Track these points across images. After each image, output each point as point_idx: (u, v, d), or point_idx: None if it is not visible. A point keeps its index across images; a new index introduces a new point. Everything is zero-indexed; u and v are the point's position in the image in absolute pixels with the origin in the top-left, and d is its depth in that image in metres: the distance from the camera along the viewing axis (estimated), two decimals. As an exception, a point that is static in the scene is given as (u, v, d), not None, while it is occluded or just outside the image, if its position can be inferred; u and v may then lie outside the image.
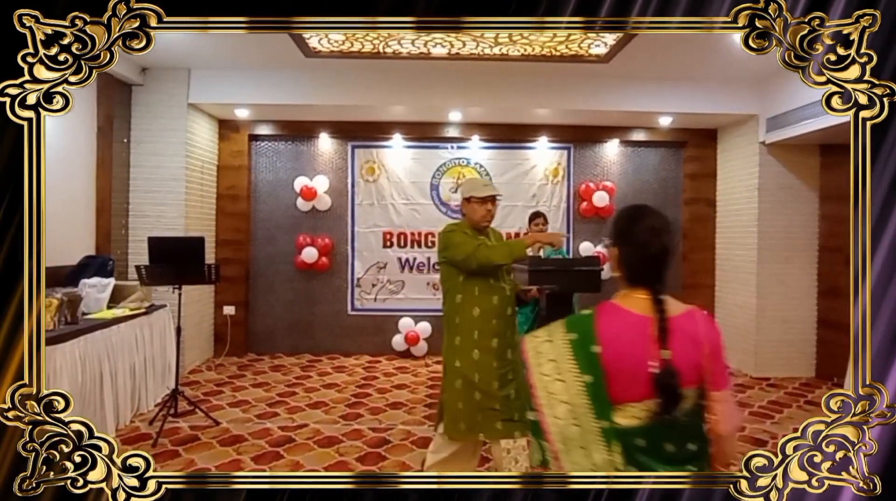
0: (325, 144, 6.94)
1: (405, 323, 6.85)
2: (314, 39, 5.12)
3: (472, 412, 2.84)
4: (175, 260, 4.46)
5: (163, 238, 4.84)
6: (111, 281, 4.78)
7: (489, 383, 2.84)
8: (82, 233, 5.22)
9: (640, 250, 1.49)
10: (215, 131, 6.67)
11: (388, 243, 6.97)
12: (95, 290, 4.62)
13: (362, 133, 6.86)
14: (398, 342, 6.82)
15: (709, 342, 1.48)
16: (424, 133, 6.86)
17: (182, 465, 3.77)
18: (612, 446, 1.44)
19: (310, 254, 6.71)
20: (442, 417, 2.95)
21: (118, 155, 5.60)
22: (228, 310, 6.74)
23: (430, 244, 6.88)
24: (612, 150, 7.08)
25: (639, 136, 6.97)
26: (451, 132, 6.88)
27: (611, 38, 4.99)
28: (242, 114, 6.48)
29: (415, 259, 6.96)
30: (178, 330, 4.67)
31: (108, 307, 4.66)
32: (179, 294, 4.54)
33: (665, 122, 6.63)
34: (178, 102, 5.82)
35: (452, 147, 7.00)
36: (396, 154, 6.96)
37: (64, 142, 4.88)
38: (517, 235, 6.46)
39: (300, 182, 6.78)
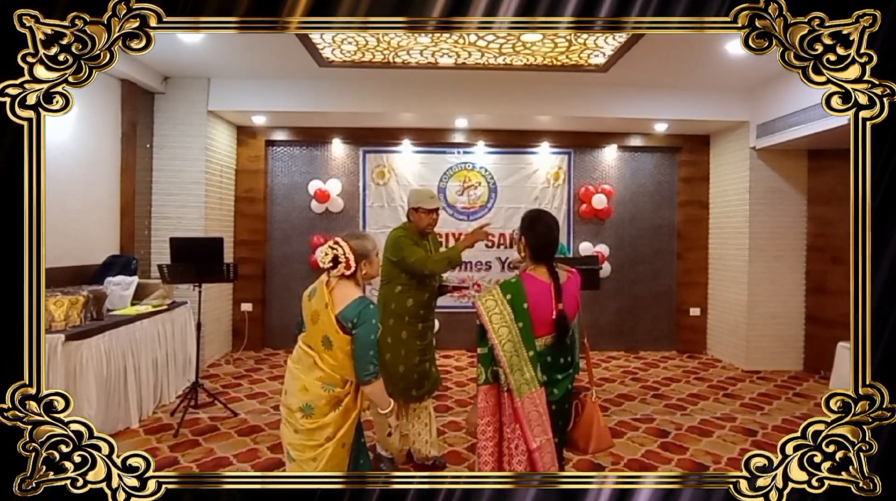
0: (338, 149, 6.87)
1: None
2: (327, 50, 5.04)
3: (394, 381, 3.23)
4: (195, 259, 4.43)
5: (184, 239, 4.79)
6: (135, 279, 4.75)
7: (411, 358, 3.30)
8: (107, 234, 5.18)
9: (541, 239, 2.13)
10: (234, 137, 6.62)
11: (398, 243, 6.88)
12: (120, 288, 4.59)
13: (373, 139, 6.78)
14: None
15: (577, 290, 2.20)
16: (432, 139, 6.78)
17: (202, 454, 3.73)
18: (535, 366, 2.04)
19: (323, 253, 6.62)
20: None
21: (141, 160, 5.55)
22: (246, 307, 6.69)
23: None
24: (610, 155, 6.99)
25: (635, 141, 6.90)
26: (458, 138, 6.80)
27: (609, 48, 4.90)
28: (259, 121, 6.44)
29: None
30: (199, 326, 4.66)
31: (132, 304, 4.62)
32: (199, 292, 4.50)
33: (660, 128, 6.56)
34: (199, 110, 5.77)
35: (459, 152, 6.92)
36: (405, 159, 6.88)
37: (90, 147, 4.85)
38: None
39: (314, 185, 6.72)
